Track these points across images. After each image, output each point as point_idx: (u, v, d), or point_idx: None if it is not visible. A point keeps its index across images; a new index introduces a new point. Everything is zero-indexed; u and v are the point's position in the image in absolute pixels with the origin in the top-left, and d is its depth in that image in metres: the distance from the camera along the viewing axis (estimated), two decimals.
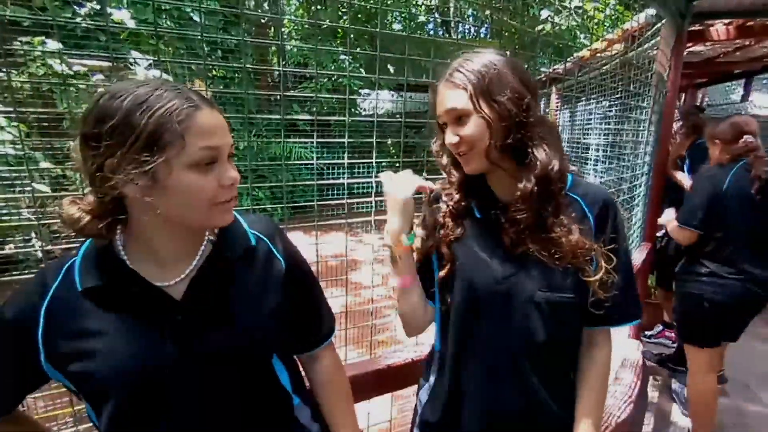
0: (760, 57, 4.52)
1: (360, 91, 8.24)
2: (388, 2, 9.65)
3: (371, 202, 1.33)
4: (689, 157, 3.09)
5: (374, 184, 1.13)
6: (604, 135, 2.89)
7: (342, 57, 7.54)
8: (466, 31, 12.44)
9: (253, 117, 5.76)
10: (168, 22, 5.61)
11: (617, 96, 2.51)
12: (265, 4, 7.87)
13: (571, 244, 0.81)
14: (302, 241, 1.34)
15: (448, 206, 0.94)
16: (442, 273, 0.92)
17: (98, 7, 3.68)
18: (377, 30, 1.24)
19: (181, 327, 0.69)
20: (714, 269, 2.12)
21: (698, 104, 5.39)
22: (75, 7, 3.88)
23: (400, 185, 0.89)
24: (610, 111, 2.79)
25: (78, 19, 3.61)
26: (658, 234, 3.09)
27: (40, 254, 1.09)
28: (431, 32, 12.69)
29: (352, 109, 7.22)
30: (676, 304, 2.38)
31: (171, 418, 0.69)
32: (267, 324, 0.77)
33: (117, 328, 0.66)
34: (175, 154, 0.61)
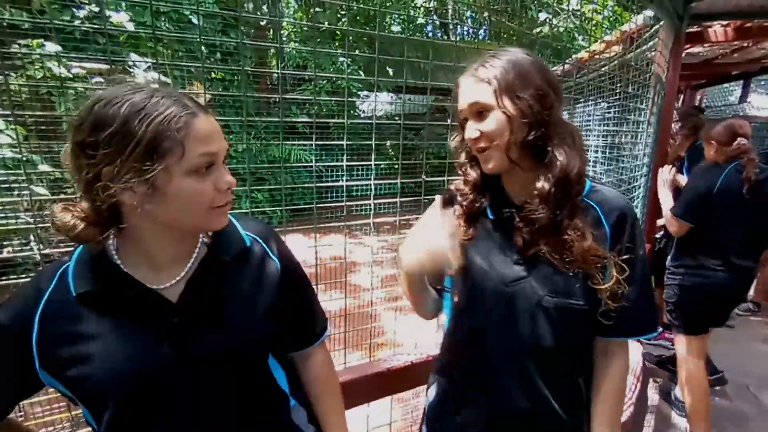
0: (758, 58, 4.54)
1: (359, 93, 8.26)
2: (387, 4, 9.67)
3: (370, 205, 1.32)
4: (688, 158, 3.09)
5: (373, 187, 1.13)
6: (603, 137, 2.89)
7: (341, 59, 7.55)
8: (465, 33, 12.47)
9: (252, 120, 5.76)
10: (167, 25, 5.62)
11: (616, 98, 2.51)
12: (264, 7, 7.88)
13: (583, 248, 0.79)
14: (301, 244, 1.34)
15: (462, 206, 0.93)
16: (450, 271, 0.92)
17: (97, 9, 3.69)
18: (376, 32, 1.24)
19: (177, 329, 0.69)
20: (703, 261, 2.27)
21: (698, 105, 5.40)
22: (74, 9, 3.89)
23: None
24: (609, 113, 2.79)
25: (77, 22, 3.61)
26: (657, 235, 3.09)
27: (38, 257, 1.08)
28: (430, 34, 12.72)
29: (351, 111, 7.22)
30: (668, 296, 2.45)
31: (168, 419, 0.69)
32: (262, 324, 0.77)
33: (112, 331, 0.66)
34: (175, 162, 0.61)
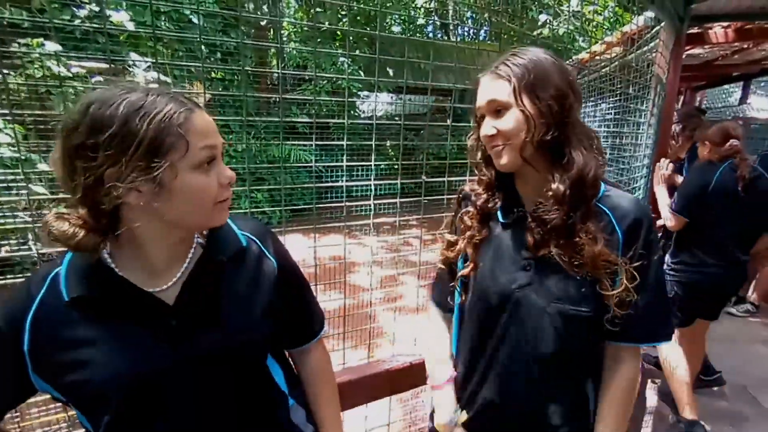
0: (759, 60, 4.54)
1: (359, 93, 8.25)
2: (388, 5, 9.67)
3: (370, 205, 1.32)
4: (688, 160, 3.08)
5: (373, 187, 1.13)
6: (603, 137, 2.89)
7: (341, 59, 7.55)
8: (465, 33, 12.47)
9: (252, 120, 5.76)
10: (167, 25, 5.61)
11: (616, 99, 2.51)
12: (264, 7, 7.87)
13: (593, 252, 0.78)
14: (301, 244, 1.34)
15: (476, 206, 0.93)
16: (464, 272, 0.92)
17: (97, 9, 3.68)
18: (377, 33, 1.23)
19: (175, 331, 0.69)
20: (701, 259, 2.35)
21: (699, 107, 5.40)
22: (74, 9, 3.88)
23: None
24: (609, 114, 2.79)
25: (77, 22, 3.61)
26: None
27: (35, 257, 1.08)
28: (430, 35, 12.72)
29: (351, 112, 7.22)
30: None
31: (167, 420, 0.69)
32: (260, 324, 0.77)
33: (108, 336, 0.65)
34: (180, 157, 0.61)
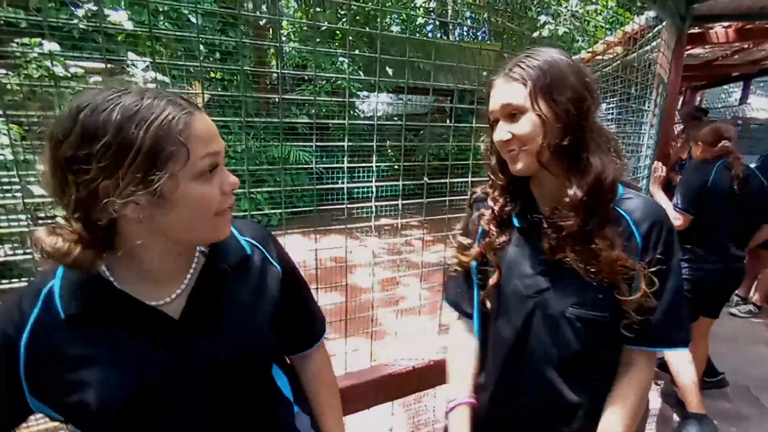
0: (759, 60, 4.54)
1: (358, 93, 8.24)
2: (387, 4, 9.65)
3: (372, 207, 1.30)
4: (690, 160, 3.09)
5: (374, 189, 1.11)
6: None
7: (341, 59, 7.53)
8: (464, 33, 12.46)
9: (251, 120, 5.73)
10: (165, 24, 5.59)
11: (617, 99, 2.50)
12: (264, 6, 7.85)
13: (610, 258, 0.77)
14: (300, 244, 1.32)
15: (493, 211, 0.91)
16: (492, 279, 0.90)
17: (95, 8, 3.66)
18: (377, 32, 1.21)
19: (181, 345, 0.66)
20: (702, 256, 2.40)
21: (702, 107, 5.40)
22: (72, 8, 3.86)
23: None
24: (611, 113, 2.79)
25: (74, 21, 3.58)
26: None
27: (33, 260, 1.06)
28: (429, 34, 12.71)
29: (351, 112, 7.20)
30: None
31: (170, 430, 0.67)
32: (266, 333, 0.75)
33: (110, 352, 0.61)
34: (180, 167, 0.57)
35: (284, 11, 9.53)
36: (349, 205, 1.25)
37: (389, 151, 7.75)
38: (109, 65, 1.08)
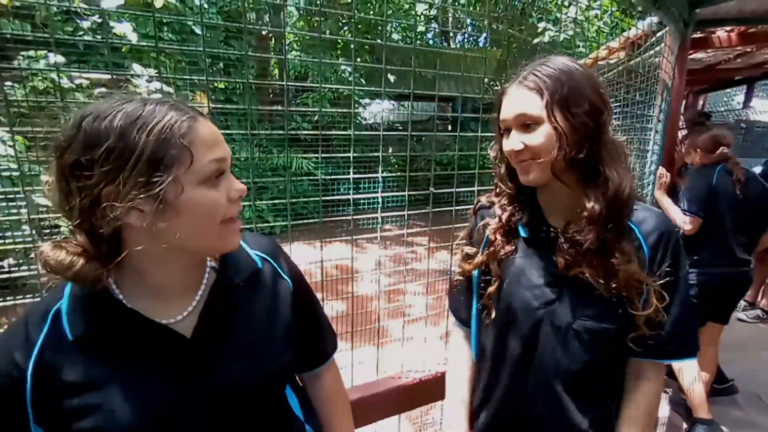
0: (762, 63, 4.52)
1: (360, 101, 8.28)
2: (389, 13, 9.72)
3: (377, 218, 1.30)
4: (691, 166, 3.08)
5: (380, 200, 1.11)
6: None
7: (343, 67, 7.57)
8: (465, 40, 12.52)
9: (257, 133, 5.75)
10: (170, 35, 5.64)
11: (621, 104, 2.49)
12: (266, 17, 7.92)
13: (628, 272, 0.75)
14: (303, 252, 1.31)
15: (500, 220, 0.89)
16: (491, 289, 0.88)
17: (100, 20, 3.70)
18: (383, 43, 1.21)
19: (195, 366, 0.64)
20: (708, 260, 2.41)
21: (706, 111, 5.40)
22: (77, 21, 3.90)
23: None
24: (617, 119, 2.78)
25: (80, 34, 3.62)
26: None
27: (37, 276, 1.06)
28: (430, 41, 12.78)
29: (354, 120, 7.22)
30: None
31: None
32: (281, 352, 0.73)
33: (120, 375, 0.59)
34: (184, 171, 0.56)
35: (287, 21, 9.60)
36: (355, 216, 1.25)
37: (392, 158, 7.77)
38: (114, 76, 1.08)
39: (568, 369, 0.82)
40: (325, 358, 0.89)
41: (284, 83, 1.00)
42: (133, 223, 0.56)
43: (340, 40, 8.92)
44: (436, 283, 2.31)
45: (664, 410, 2.75)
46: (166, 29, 5.64)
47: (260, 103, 6.80)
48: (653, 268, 0.79)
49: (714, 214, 2.35)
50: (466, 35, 12.22)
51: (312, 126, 7.18)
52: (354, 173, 1.27)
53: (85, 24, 3.87)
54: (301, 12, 10.23)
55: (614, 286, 0.77)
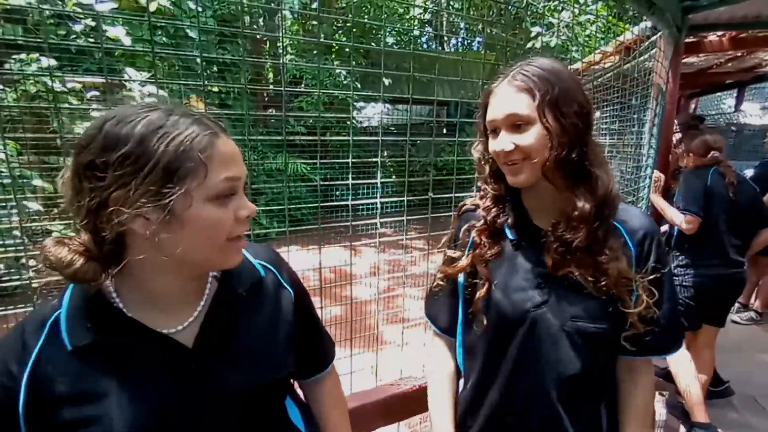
0: (752, 67, 4.59)
1: (355, 104, 8.29)
2: (383, 17, 9.76)
3: (376, 224, 1.29)
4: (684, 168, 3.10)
5: (379, 205, 1.10)
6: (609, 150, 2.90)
7: (338, 71, 7.59)
8: (459, 44, 12.60)
9: (255, 139, 5.73)
10: (163, 39, 5.61)
11: (614, 108, 2.51)
12: (261, 21, 7.92)
13: (617, 270, 0.76)
14: (299, 257, 1.30)
15: (485, 222, 0.88)
16: (480, 293, 0.87)
17: (93, 24, 3.66)
18: (381, 48, 1.21)
19: (197, 376, 0.63)
20: (703, 261, 2.45)
21: (698, 115, 5.46)
22: (70, 24, 3.86)
23: None
24: (613, 123, 2.80)
25: (72, 37, 3.59)
26: None
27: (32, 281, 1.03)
28: (424, 45, 12.85)
29: (349, 123, 7.24)
30: None
31: None
32: (283, 361, 0.73)
33: (119, 386, 0.58)
34: (197, 185, 0.56)
35: (281, 24, 9.61)
36: (354, 222, 1.24)
37: (388, 162, 7.77)
38: (108, 79, 1.07)
39: (564, 372, 0.81)
40: (326, 364, 0.89)
41: (282, 89, 0.99)
42: (137, 230, 0.55)
43: (334, 44, 8.95)
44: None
45: (661, 413, 2.75)
46: (159, 33, 5.61)
47: (255, 105, 6.77)
48: (640, 264, 0.80)
49: (709, 215, 2.38)
50: (460, 39, 12.31)
51: (307, 129, 7.16)
52: (352, 178, 1.26)
53: (78, 27, 3.83)
54: (296, 16, 10.25)
55: (604, 284, 0.77)
